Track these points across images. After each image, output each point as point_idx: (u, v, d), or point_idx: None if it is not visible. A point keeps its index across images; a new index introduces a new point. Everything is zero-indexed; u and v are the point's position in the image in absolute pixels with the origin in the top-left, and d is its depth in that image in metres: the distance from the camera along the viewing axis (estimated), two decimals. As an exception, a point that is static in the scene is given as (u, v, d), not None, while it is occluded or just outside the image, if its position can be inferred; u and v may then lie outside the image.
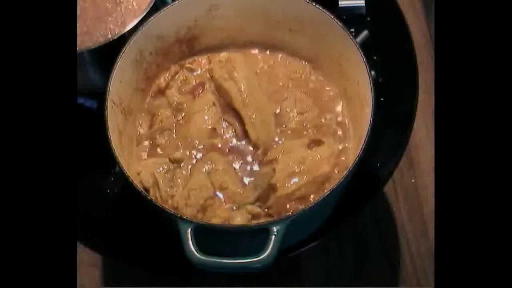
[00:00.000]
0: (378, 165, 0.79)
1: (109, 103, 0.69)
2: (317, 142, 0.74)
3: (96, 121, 0.69)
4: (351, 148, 0.74)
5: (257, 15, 0.79)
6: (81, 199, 0.61)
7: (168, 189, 0.70)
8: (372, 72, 0.70)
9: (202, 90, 0.79)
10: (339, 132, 0.75)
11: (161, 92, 0.80)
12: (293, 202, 0.70)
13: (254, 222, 0.68)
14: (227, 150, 0.74)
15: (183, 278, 0.80)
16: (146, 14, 0.77)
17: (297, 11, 0.76)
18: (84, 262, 0.81)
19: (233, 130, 0.75)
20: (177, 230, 0.62)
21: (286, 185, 0.71)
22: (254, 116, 0.74)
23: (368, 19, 0.89)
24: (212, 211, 0.70)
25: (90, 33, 0.79)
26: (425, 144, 0.89)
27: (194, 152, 0.74)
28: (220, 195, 0.71)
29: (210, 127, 0.75)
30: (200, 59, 0.82)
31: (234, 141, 0.74)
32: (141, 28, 0.74)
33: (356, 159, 0.65)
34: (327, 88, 0.78)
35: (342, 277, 0.81)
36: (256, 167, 0.72)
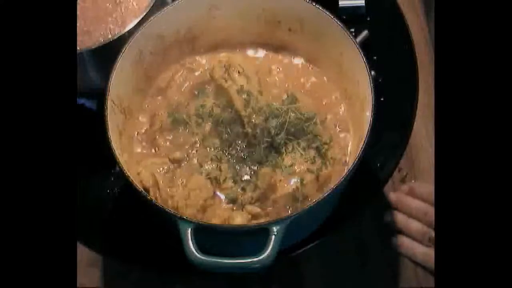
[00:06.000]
0: (378, 165, 0.79)
1: (109, 103, 0.70)
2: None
3: (96, 121, 0.69)
4: (351, 148, 0.74)
5: (257, 15, 0.79)
6: (81, 199, 0.61)
7: (168, 189, 0.70)
8: (372, 72, 0.70)
9: (202, 90, 0.79)
10: (339, 133, 0.75)
11: (161, 92, 0.80)
12: (293, 202, 0.70)
13: (254, 222, 0.68)
14: (227, 150, 0.74)
15: (183, 278, 0.80)
16: (146, 14, 0.77)
17: (297, 11, 0.76)
18: (84, 262, 0.81)
19: (233, 130, 0.75)
20: (177, 230, 0.62)
21: (286, 185, 0.71)
22: (254, 116, 0.74)
23: (368, 19, 0.89)
24: (212, 211, 0.70)
25: (90, 33, 0.79)
26: (425, 144, 0.89)
27: (194, 152, 0.74)
28: (220, 195, 0.71)
29: (210, 127, 0.75)
30: (200, 59, 0.82)
31: (234, 141, 0.74)
32: (141, 28, 0.74)
33: (356, 159, 0.65)
34: (327, 88, 0.78)
35: (342, 277, 0.81)
36: (256, 167, 0.72)
